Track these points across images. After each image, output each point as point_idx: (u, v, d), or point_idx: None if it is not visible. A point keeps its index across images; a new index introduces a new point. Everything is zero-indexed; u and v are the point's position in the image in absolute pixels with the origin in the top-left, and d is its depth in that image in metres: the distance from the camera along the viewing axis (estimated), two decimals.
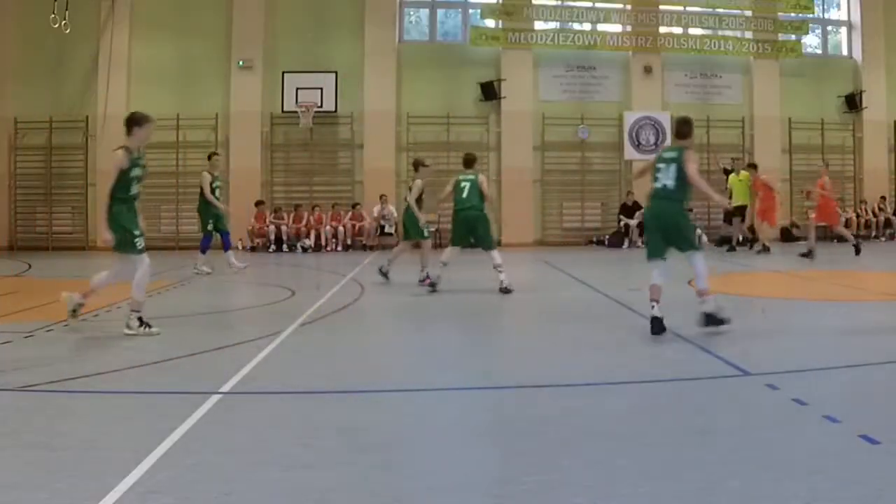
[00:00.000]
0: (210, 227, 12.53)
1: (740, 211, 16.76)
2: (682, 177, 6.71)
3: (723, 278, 12.03)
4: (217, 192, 12.57)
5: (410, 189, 11.16)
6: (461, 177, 9.94)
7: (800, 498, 2.95)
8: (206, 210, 12.61)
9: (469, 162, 10.15)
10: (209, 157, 13.33)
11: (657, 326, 6.46)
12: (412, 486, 3.19)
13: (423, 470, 3.43)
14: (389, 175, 19.27)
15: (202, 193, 12.57)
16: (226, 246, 12.58)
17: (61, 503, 2.96)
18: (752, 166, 17.12)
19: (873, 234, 20.17)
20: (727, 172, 18.71)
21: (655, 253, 6.83)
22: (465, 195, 9.72)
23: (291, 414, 4.34)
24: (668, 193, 6.81)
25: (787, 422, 4.00)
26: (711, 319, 6.62)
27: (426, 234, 11.03)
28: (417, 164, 11.35)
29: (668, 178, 6.76)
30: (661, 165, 6.88)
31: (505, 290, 9.40)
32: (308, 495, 3.06)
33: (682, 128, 7.09)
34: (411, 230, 10.93)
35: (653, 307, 6.54)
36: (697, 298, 6.67)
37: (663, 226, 6.85)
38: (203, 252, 12.52)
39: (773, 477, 3.17)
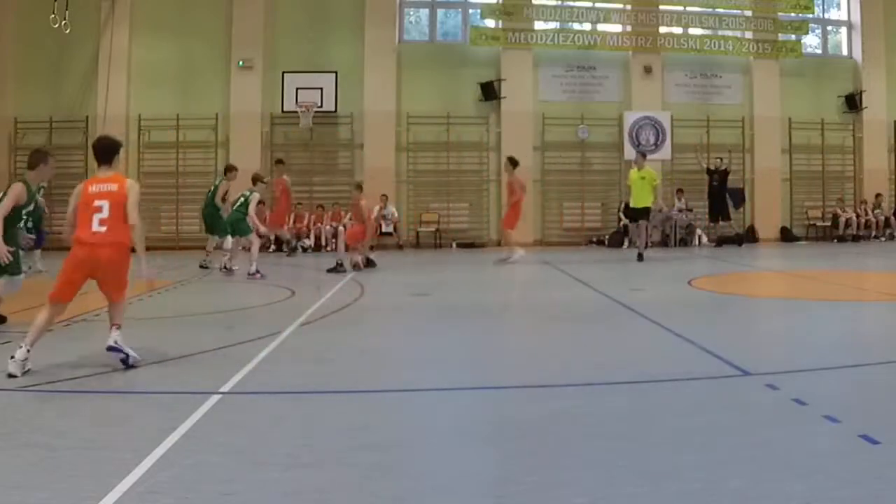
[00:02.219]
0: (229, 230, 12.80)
1: (646, 213, 14.66)
2: None
3: (723, 278, 12.04)
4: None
5: (246, 197, 12.31)
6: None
7: (800, 498, 2.95)
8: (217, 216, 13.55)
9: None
10: (226, 171, 14.09)
11: None
12: (412, 486, 3.19)
13: (423, 470, 3.43)
14: (389, 175, 19.27)
15: (210, 202, 13.63)
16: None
17: (61, 503, 2.96)
18: (513, 161, 14.65)
19: (873, 233, 20.17)
20: (710, 172, 18.72)
21: None
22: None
23: (291, 414, 4.34)
24: None
25: (787, 422, 3.99)
26: None
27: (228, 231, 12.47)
28: (256, 180, 12.59)
29: None
30: None
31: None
32: (308, 495, 3.06)
33: None
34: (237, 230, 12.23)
35: None
36: None
37: None
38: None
39: (773, 477, 3.17)
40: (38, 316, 5.48)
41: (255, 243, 12.34)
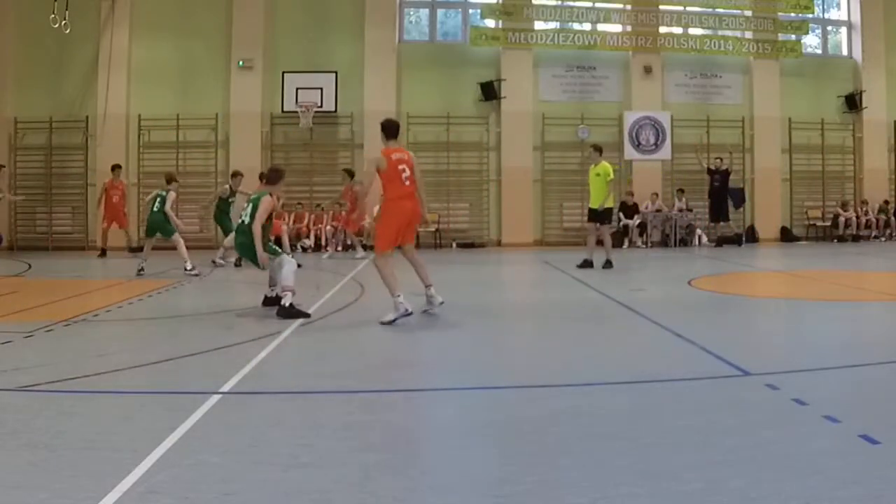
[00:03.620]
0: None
1: (600, 215, 12.79)
2: None
3: (723, 278, 12.04)
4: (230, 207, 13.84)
5: (162, 198, 12.56)
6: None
7: (800, 498, 2.95)
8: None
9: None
10: (233, 176, 14.39)
11: None
12: (412, 486, 3.19)
13: (423, 470, 3.43)
14: None
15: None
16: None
17: (61, 503, 2.96)
18: (349, 172, 15.66)
19: (873, 234, 20.18)
20: (711, 172, 18.71)
21: None
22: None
23: (291, 414, 4.34)
24: None
25: (787, 422, 3.99)
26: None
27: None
28: (170, 179, 12.90)
29: None
30: None
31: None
32: (308, 495, 3.06)
33: None
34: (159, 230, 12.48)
35: None
36: None
37: None
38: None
39: (773, 477, 3.17)
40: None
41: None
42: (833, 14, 21.83)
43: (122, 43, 18.89)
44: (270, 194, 8.29)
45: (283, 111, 19.01)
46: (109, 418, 4.17)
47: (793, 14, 20.68)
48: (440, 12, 20.71)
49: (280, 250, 8.72)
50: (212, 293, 10.68)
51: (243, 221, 8.33)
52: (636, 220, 19.30)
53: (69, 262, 14.35)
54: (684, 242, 19.27)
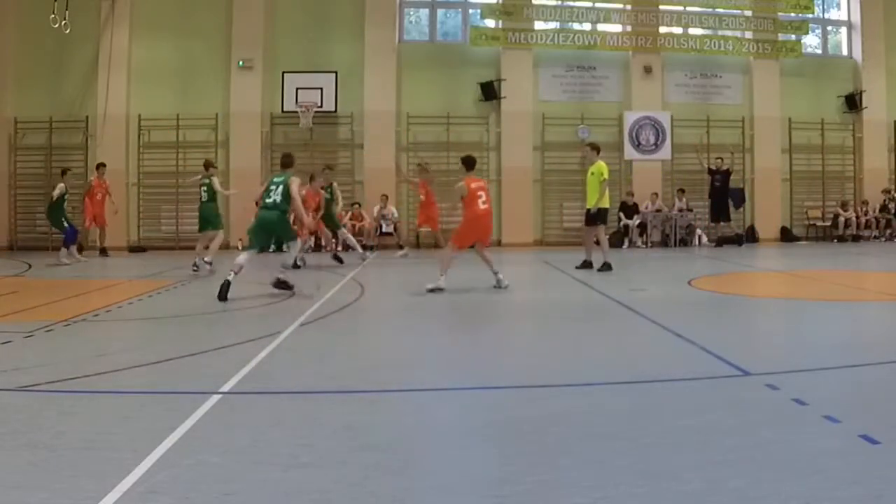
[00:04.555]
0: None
1: (593, 216, 12.42)
2: None
3: (723, 278, 12.04)
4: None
5: (207, 187, 12.93)
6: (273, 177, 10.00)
7: (800, 498, 2.95)
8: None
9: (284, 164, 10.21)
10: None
11: None
12: (412, 486, 3.19)
13: (422, 470, 3.43)
14: (389, 175, 19.25)
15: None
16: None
17: (61, 503, 2.96)
18: (423, 168, 16.10)
19: (873, 234, 20.18)
20: (711, 172, 18.72)
21: None
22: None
23: (291, 414, 4.34)
24: None
25: (787, 422, 3.99)
26: None
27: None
28: (208, 165, 13.21)
29: None
30: None
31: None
32: (308, 495, 3.06)
33: None
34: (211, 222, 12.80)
35: None
36: None
37: None
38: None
39: (773, 477, 3.17)
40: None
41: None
42: (833, 14, 21.83)
43: (122, 43, 18.90)
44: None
45: (283, 111, 19.01)
46: (109, 418, 4.17)
47: (793, 14, 20.69)
48: (440, 12, 20.71)
49: (296, 234, 10.20)
50: (212, 293, 10.67)
51: (274, 201, 9.52)
52: (636, 220, 19.30)
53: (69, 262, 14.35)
54: (684, 242, 19.28)
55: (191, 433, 3.80)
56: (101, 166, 17.23)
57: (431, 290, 9.55)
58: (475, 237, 10.17)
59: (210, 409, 4.25)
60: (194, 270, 12.35)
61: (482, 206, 9.97)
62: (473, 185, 10.03)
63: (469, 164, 10.36)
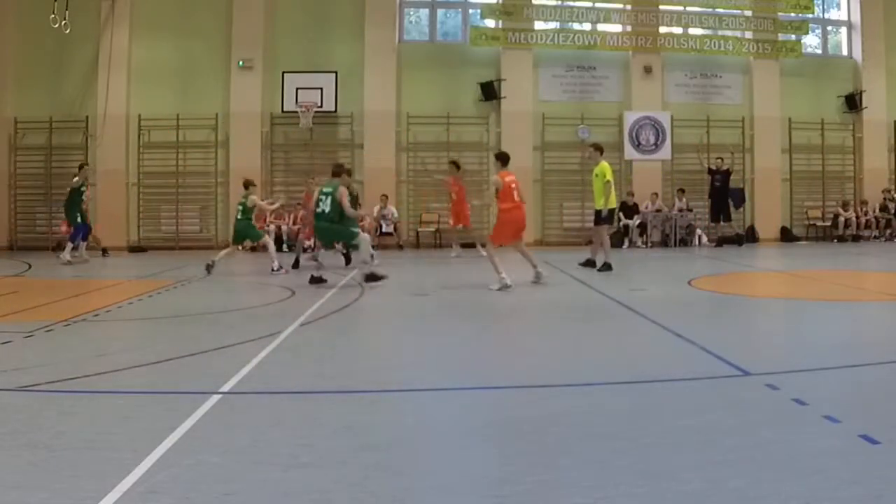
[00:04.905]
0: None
1: (609, 217, 12.50)
2: None
3: (723, 278, 12.04)
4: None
5: (243, 206, 12.75)
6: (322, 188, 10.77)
7: (800, 498, 2.95)
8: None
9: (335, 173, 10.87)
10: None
11: None
12: (412, 486, 3.19)
13: (423, 470, 3.43)
14: (390, 175, 19.28)
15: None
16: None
17: (61, 503, 2.96)
18: (456, 165, 15.92)
19: (873, 234, 20.17)
20: (712, 172, 18.71)
21: None
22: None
23: (291, 414, 4.34)
24: None
25: (787, 422, 3.99)
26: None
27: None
28: (247, 184, 12.95)
29: None
30: None
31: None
32: (308, 495, 3.06)
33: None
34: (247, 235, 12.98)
35: None
36: None
37: None
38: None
39: (773, 477, 3.17)
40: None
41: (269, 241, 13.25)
42: (833, 14, 21.82)
43: (122, 43, 18.89)
44: (340, 185, 10.48)
45: (283, 111, 19.00)
46: (109, 418, 4.17)
47: (793, 14, 20.67)
48: (440, 12, 20.71)
49: (358, 231, 10.75)
50: (212, 293, 10.68)
51: (323, 211, 10.33)
52: (636, 220, 19.30)
53: (69, 262, 14.34)
54: (684, 242, 19.27)
55: (191, 433, 3.80)
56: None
57: (498, 289, 9.73)
58: (512, 232, 10.40)
59: (210, 409, 4.25)
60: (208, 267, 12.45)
61: (516, 200, 10.21)
62: (507, 179, 10.25)
63: (504, 159, 10.59)
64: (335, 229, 10.51)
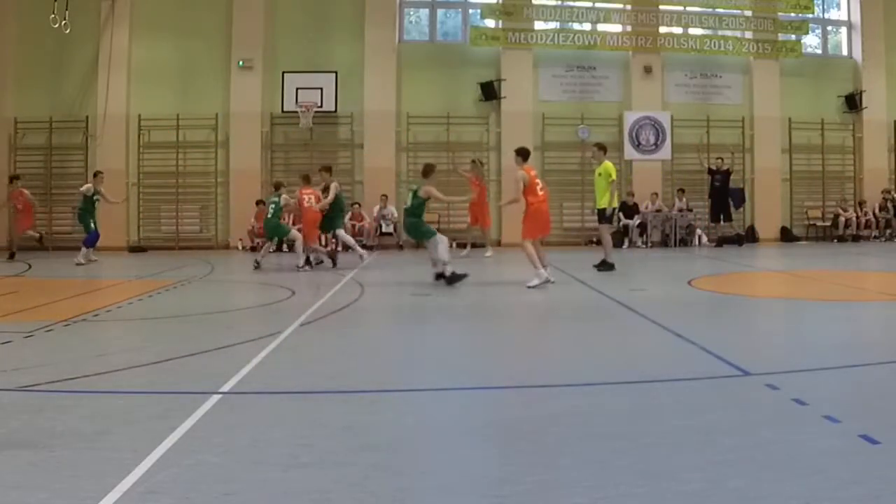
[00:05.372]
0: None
1: (602, 216, 12.52)
2: None
3: (723, 278, 12.04)
4: None
5: (275, 204, 13.46)
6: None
7: (800, 498, 2.95)
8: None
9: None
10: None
11: None
12: (412, 486, 3.19)
13: (422, 470, 3.43)
14: (390, 175, 19.28)
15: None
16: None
17: (61, 503, 2.96)
18: (478, 162, 16.71)
19: (873, 234, 20.17)
20: (712, 172, 18.71)
21: None
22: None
23: (291, 414, 4.34)
24: None
25: (787, 422, 3.99)
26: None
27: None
28: (277, 186, 13.83)
29: None
30: None
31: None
32: (308, 495, 3.06)
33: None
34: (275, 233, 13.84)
35: None
36: None
37: None
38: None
39: (773, 477, 3.17)
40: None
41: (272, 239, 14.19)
42: (833, 14, 21.82)
43: (122, 43, 18.88)
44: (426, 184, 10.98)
45: (283, 111, 19.00)
46: (109, 418, 4.17)
47: (793, 14, 20.67)
48: (440, 12, 20.70)
49: (436, 231, 11.17)
50: (212, 293, 10.68)
51: (407, 206, 11.05)
52: (636, 220, 19.29)
53: (69, 262, 14.34)
54: (684, 242, 19.27)
55: (191, 433, 3.80)
56: (14, 179, 16.79)
57: (535, 286, 9.86)
58: (542, 224, 10.59)
59: (210, 409, 4.25)
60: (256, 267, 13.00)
61: (540, 194, 10.43)
62: (532, 174, 10.54)
63: (525, 154, 10.76)
64: (415, 226, 11.04)
